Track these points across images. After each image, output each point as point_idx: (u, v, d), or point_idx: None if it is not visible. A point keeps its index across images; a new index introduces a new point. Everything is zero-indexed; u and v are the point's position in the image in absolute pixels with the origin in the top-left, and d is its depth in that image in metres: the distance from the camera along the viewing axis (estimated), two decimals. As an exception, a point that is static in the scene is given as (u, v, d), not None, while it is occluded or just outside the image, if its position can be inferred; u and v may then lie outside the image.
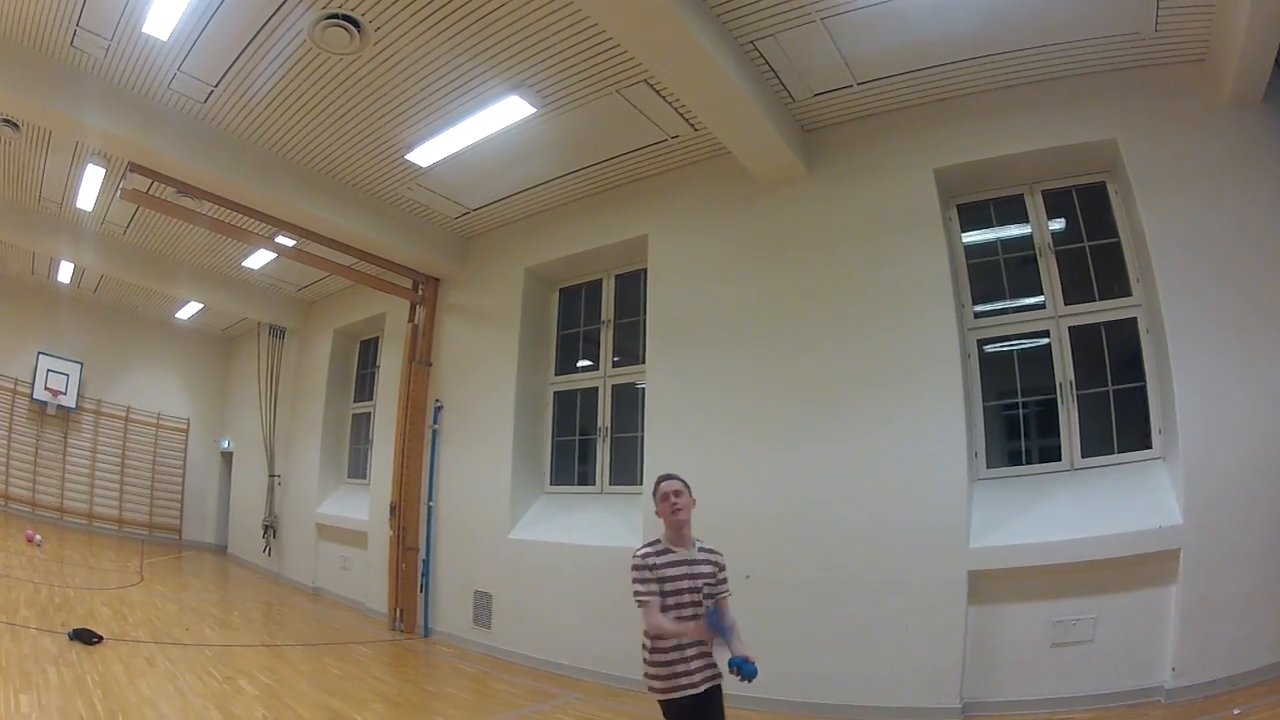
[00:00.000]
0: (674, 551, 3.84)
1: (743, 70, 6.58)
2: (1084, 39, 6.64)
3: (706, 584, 3.81)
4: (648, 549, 3.85)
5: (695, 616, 3.72)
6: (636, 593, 3.74)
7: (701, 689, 3.70)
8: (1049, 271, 7.24)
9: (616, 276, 9.61)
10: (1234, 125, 6.63)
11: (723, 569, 3.96)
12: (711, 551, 3.97)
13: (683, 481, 3.97)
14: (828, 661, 6.37)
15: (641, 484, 8.32)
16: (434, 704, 6.91)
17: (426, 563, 10.10)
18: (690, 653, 3.70)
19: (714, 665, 3.75)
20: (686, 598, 3.75)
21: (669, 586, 3.74)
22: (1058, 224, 7.42)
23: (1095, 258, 7.20)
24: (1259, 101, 6.63)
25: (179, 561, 15.14)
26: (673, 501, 3.88)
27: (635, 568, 3.78)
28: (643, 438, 8.44)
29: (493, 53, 6.77)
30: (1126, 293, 6.96)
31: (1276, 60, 6.34)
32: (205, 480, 18.23)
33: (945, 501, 6.64)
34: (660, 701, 3.75)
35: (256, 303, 14.29)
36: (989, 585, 6.47)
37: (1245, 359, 6.21)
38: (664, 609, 3.71)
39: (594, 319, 9.77)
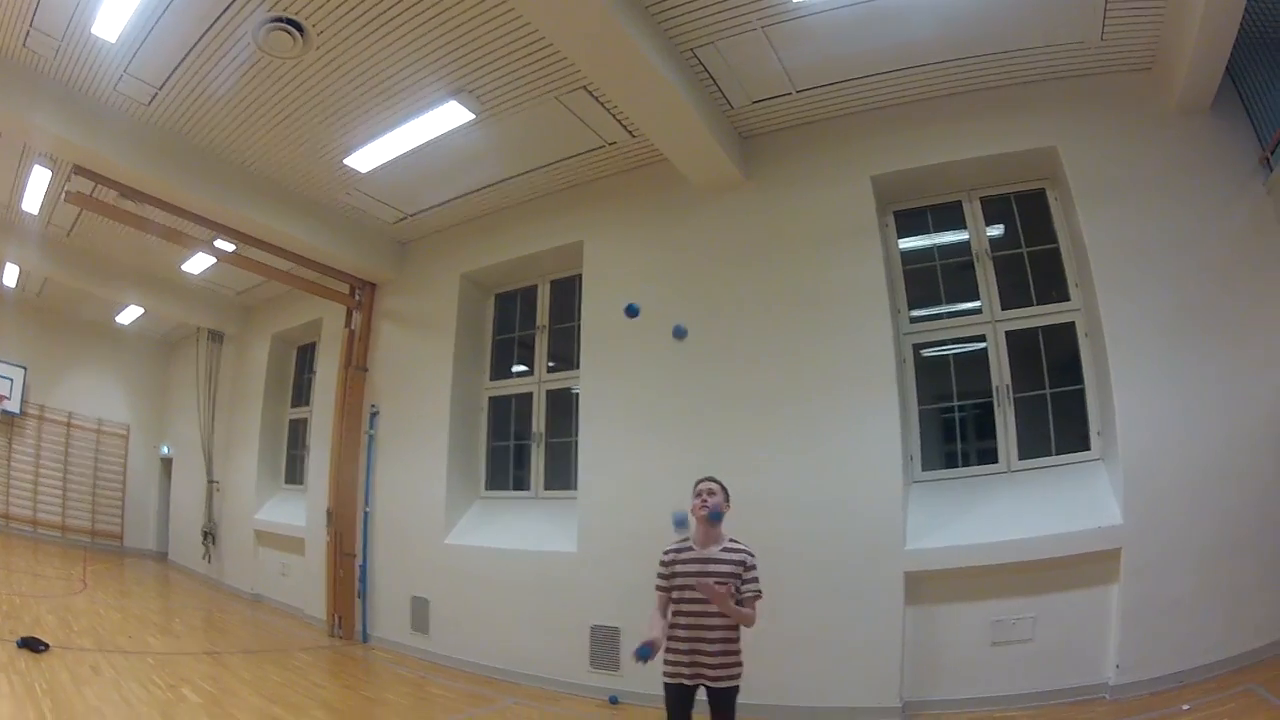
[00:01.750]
0: (694, 550, 4.17)
1: (682, 78, 6.62)
2: (1028, 48, 6.71)
3: (719, 582, 4.00)
4: (672, 546, 4.25)
5: (705, 612, 4.00)
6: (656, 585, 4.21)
7: (687, 682, 4.05)
8: (986, 277, 7.35)
9: (552, 282, 9.62)
10: (1179, 133, 6.76)
11: (750, 568, 4.14)
12: (738, 550, 4.18)
13: (721, 485, 4.32)
14: (767, 662, 6.32)
15: (576, 489, 8.36)
16: (374, 710, 6.93)
17: (364, 569, 10.04)
18: (682, 647, 4.04)
19: (711, 669, 4.02)
20: (691, 593, 4.03)
21: (678, 582, 4.10)
22: (996, 230, 7.54)
23: (1034, 263, 7.32)
24: (1206, 110, 6.75)
25: (120, 569, 14.88)
26: (704, 498, 4.21)
27: (659, 563, 4.23)
28: (577, 443, 8.47)
29: (434, 58, 6.78)
30: (1065, 298, 7.08)
31: (1226, 69, 6.43)
32: (145, 487, 17.86)
33: (881, 504, 6.75)
34: None
35: (196, 307, 14.09)
36: (926, 586, 6.59)
37: (1182, 363, 6.38)
38: (674, 601, 4.10)
39: (529, 324, 9.77)
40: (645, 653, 3.85)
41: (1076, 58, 6.83)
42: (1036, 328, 7.19)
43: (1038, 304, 7.23)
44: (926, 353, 7.54)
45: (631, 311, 5.00)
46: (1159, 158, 6.78)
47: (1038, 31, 6.53)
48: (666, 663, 4.09)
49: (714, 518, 4.10)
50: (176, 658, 7.82)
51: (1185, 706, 5.60)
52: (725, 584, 4.02)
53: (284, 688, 7.20)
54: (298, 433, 13.12)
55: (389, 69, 6.97)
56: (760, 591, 4.14)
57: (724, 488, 4.33)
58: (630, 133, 7.88)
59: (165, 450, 17.55)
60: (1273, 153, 6.60)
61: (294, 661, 8.49)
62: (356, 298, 10.89)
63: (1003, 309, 7.26)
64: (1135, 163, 6.79)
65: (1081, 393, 6.94)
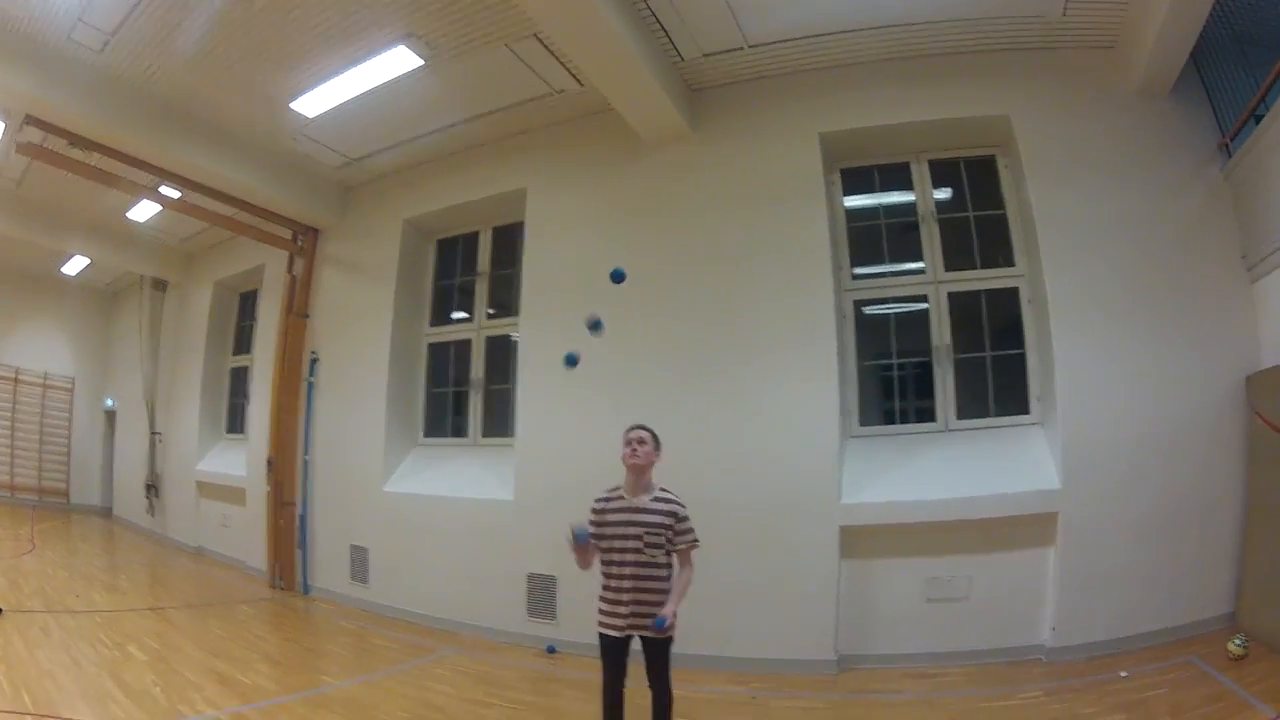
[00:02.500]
0: (624, 499, 4.12)
1: (633, 28, 6.52)
2: (987, 17, 6.72)
3: (650, 532, 4.01)
4: (603, 494, 4.21)
5: (634, 561, 3.99)
6: None
7: (620, 634, 4.01)
8: (930, 238, 7.40)
9: (494, 229, 9.46)
10: (1137, 114, 6.87)
11: (682, 519, 4.11)
12: (669, 500, 4.14)
13: (651, 433, 4.23)
14: (706, 613, 6.32)
15: (514, 436, 8.30)
16: (316, 662, 6.98)
17: (303, 518, 9.93)
18: (625, 598, 4.01)
19: (645, 618, 3.98)
20: (621, 543, 4.02)
21: (607, 531, 4.07)
22: (943, 193, 7.58)
23: (979, 227, 7.38)
24: (1166, 94, 6.82)
25: (67, 526, 14.72)
26: (633, 448, 4.13)
27: (590, 510, 4.18)
28: (516, 390, 8.39)
29: (385, 0, 6.57)
30: (1010, 263, 7.17)
31: (1191, 53, 6.46)
32: (90, 441, 17.53)
33: (817, 458, 6.79)
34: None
35: (140, 255, 13.77)
36: (861, 541, 6.66)
37: (1123, 340, 6.53)
38: (601, 550, 4.08)
39: (470, 271, 9.63)
40: (581, 535, 3.98)
41: (1036, 30, 6.85)
42: (979, 291, 7.26)
43: (982, 268, 7.30)
44: (868, 310, 7.56)
45: (570, 361, 4.89)
46: (1114, 136, 6.87)
47: (998, 1, 6.53)
48: (600, 613, 4.09)
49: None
50: (122, 615, 7.86)
51: (1123, 674, 5.73)
52: (656, 533, 4.02)
53: (227, 641, 7.22)
54: (239, 381, 12.92)
55: (341, 11, 6.73)
56: (697, 540, 4.13)
57: (654, 435, 4.26)
58: (579, 81, 7.74)
59: (109, 403, 17.22)
60: (1233, 139, 6.69)
61: (236, 615, 8.49)
62: (299, 243, 10.65)
63: (946, 270, 7.31)
64: (1089, 139, 6.87)
65: (1022, 357, 7.04)
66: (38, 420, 16.91)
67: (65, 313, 17.48)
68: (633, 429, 4.26)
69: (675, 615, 3.94)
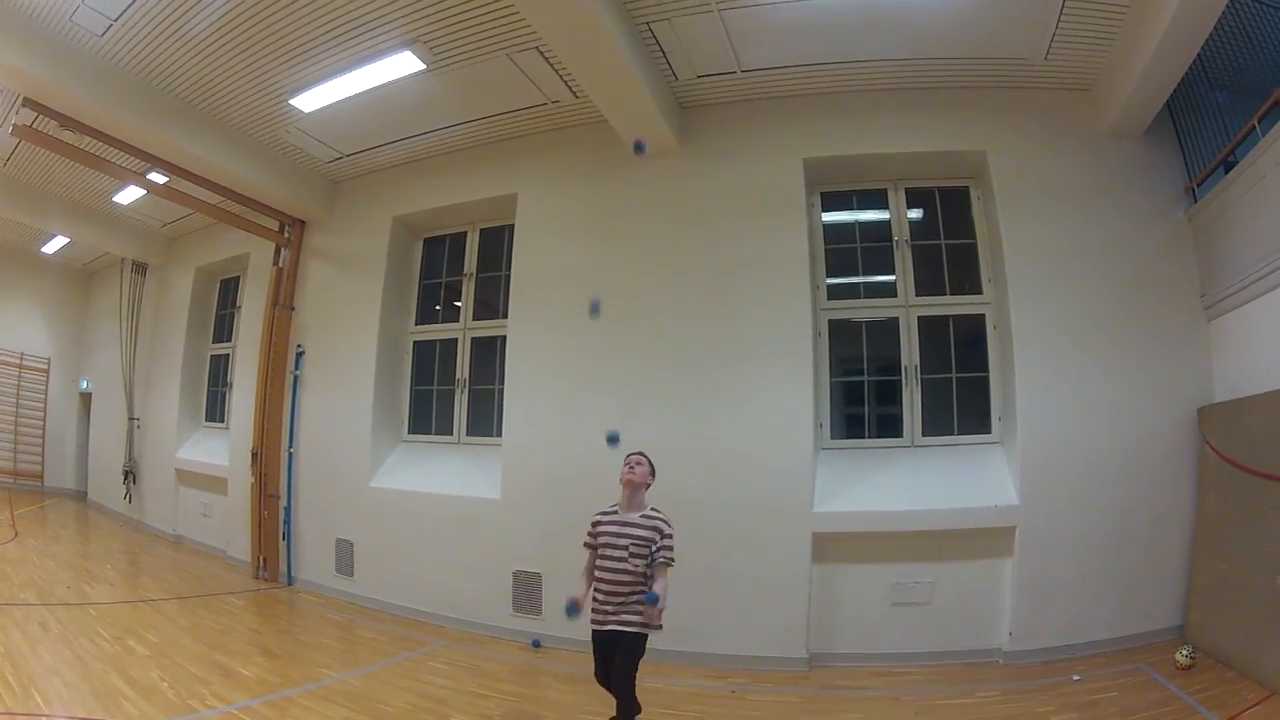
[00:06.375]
0: (618, 514, 4.68)
1: (634, 49, 6.69)
2: (971, 57, 6.98)
3: (636, 543, 4.47)
4: (602, 509, 4.78)
5: (620, 569, 4.51)
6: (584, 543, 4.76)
7: (605, 628, 4.54)
8: (903, 263, 7.69)
9: (481, 230, 9.54)
10: (1106, 154, 7.19)
11: (664, 535, 4.54)
12: (655, 518, 4.59)
13: (648, 459, 4.81)
14: (682, 611, 6.60)
15: (498, 436, 8.48)
16: (310, 655, 7.01)
17: (288, 510, 10.00)
18: (602, 598, 4.55)
19: (626, 614, 4.49)
20: (612, 552, 4.55)
21: (602, 540, 4.64)
22: (915, 213, 7.87)
23: (950, 255, 7.67)
24: (1138, 135, 7.12)
25: (44, 512, 14.53)
26: (630, 466, 4.71)
27: (590, 523, 4.77)
28: (501, 390, 8.55)
29: (395, 6, 6.65)
30: (978, 290, 7.47)
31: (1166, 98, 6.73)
32: (65, 423, 17.32)
33: (792, 467, 7.08)
34: None
35: (122, 238, 13.56)
36: (831, 547, 6.97)
37: (1080, 363, 6.89)
38: (598, 559, 4.62)
39: (455, 270, 9.72)
40: (571, 609, 4.42)
41: (1017, 71, 7.12)
42: (948, 316, 7.58)
43: (951, 294, 7.61)
44: (840, 317, 7.85)
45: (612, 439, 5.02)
46: (1085, 173, 7.20)
47: (983, 43, 6.79)
48: (592, 611, 4.62)
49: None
50: (116, 608, 7.87)
51: (1075, 677, 6.07)
52: (641, 545, 4.49)
53: (222, 634, 7.29)
54: (219, 369, 12.82)
55: (349, 13, 6.78)
56: (672, 560, 4.54)
57: (650, 461, 4.77)
58: (574, 93, 7.90)
59: (84, 385, 17.01)
60: (1200, 185, 6.98)
61: (227, 606, 8.54)
62: (286, 234, 10.65)
63: (917, 295, 7.62)
64: (1061, 175, 7.20)
65: (985, 379, 7.38)
66: (13, 401, 16.69)
67: (41, 291, 17.14)
68: (632, 454, 4.78)
69: (661, 602, 4.36)
